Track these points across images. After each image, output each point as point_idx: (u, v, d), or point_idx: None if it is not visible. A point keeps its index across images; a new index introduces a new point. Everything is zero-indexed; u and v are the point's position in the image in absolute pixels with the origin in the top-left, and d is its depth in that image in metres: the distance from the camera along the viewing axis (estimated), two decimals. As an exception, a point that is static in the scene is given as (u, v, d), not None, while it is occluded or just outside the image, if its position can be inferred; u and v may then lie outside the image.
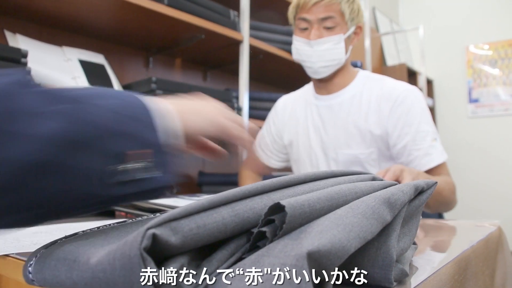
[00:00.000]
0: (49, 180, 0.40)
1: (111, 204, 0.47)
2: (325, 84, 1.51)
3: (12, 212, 0.41)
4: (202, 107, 0.60)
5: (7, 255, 0.54)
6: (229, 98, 1.97)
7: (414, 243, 0.53)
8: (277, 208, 0.34)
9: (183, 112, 0.55)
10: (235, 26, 2.00)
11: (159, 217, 0.30)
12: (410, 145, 1.36)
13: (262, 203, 0.36)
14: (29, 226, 0.47)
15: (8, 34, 1.49)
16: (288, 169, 1.73)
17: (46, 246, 0.40)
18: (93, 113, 0.44)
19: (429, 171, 1.35)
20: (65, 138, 0.40)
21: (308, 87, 1.61)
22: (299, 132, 1.60)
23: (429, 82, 4.70)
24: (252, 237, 0.34)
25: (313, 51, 1.40)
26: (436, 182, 0.51)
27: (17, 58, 1.27)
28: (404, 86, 1.43)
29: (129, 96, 0.49)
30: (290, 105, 1.67)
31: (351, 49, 1.47)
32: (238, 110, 1.98)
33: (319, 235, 0.32)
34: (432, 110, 4.71)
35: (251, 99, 2.16)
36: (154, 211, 0.93)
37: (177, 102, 0.56)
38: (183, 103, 0.57)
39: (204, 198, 0.33)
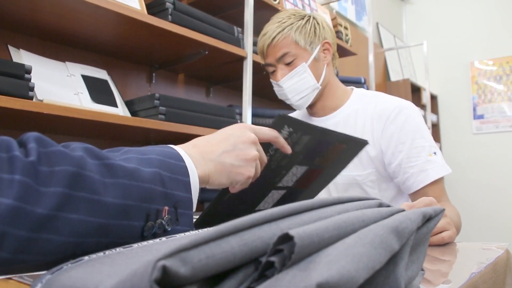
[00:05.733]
0: (102, 234, 0.49)
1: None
2: (316, 109, 1.53)
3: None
4: (231, 163, 0.66)
5: (9, 278, 0.54)
6: (232, 115, 1.97)
7: (422, 269, 0.53)
8: (286, 238, 0.33)
9: (212, 174, 0.63)
10: (238, 43, 2.01)
11: (168, 247, 0.30)
12: (405, 162, 1.34)
13: (270, 232, 0.36)
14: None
15: (12, 50, 1.50)
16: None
17: (52, 272, 0.40)
18: (143, 180, 0.52)
19: (426, 187, 1.32)
20: (120, 205, 0.49)
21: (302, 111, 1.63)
22: None
23: (433, 98, 4.71)
24: (260, 267, 0.34)
25: (284, 90, 1.43)
26: (444, 209, 0.50)
27: (21, 74, 1.28)
28: (396, 102, 1.42)
29: (171, 153, 0.57)
30: None
31: (335, 66, 1.51)
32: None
33: (328, 266, 0.32)
34: (436, 126, 4.71)
35: (254, 115, 2.16)
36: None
37: (213, 159, 0.64)
38: (220, 161, 0.65)
39: (212, 228, 0.33)
